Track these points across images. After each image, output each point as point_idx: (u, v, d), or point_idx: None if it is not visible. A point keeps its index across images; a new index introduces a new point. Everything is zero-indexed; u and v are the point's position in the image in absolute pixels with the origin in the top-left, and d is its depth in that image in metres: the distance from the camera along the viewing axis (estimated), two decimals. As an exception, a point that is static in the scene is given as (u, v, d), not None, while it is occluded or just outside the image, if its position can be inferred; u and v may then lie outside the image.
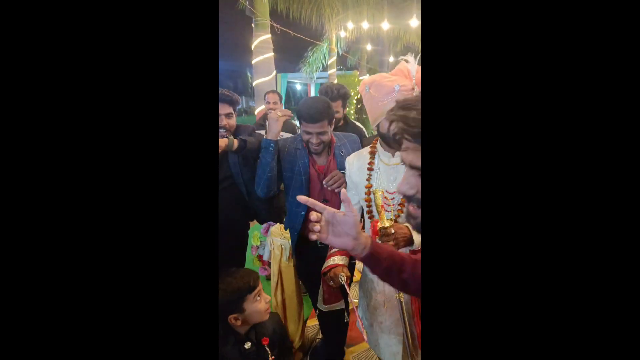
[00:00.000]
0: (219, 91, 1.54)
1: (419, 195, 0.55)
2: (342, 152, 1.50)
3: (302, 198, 0.71)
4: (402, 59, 1.08)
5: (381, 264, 0.77)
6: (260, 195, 1.52)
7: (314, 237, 0.71)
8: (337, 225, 0.71)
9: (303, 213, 1.51)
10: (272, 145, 1.45)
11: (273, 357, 1.23)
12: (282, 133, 2.60)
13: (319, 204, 0.71)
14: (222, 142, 1.46)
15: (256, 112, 5.19)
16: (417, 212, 0.57)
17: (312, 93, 17.39)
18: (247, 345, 1.19)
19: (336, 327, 1.69)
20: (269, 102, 2.68)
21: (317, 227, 0.70)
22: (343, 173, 1.42)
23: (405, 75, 1.05)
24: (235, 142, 1.50)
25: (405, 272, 0.80)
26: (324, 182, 1.43)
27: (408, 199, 0.57)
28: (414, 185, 0.55)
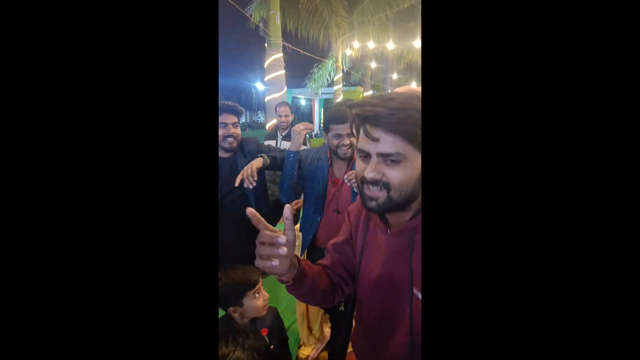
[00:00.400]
0: (225, 102, 1.65)
1: (385, 179, 0.62)
2: None
3: (250, 211, 0.62)
4: None
5: (307, 282, 0.73)
6: (282, 200, 1.66)
7: (273, 263, 0.62)
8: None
9: (319, 219, 1.60)
10: (292, 155, 1.57)
11: (272, 346, 1.28)
12: (284, 142, 2.67)
13: (263, 222, 0.63)
14: (258, 162, 1.55)
15: (267, 126, 5.42)
16: (377, 194, 0.63)
17: (317, 108, 17.80)
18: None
19: (339, 322, 1.77)
20: (280, 116, 2.75)
21: (283, 249, 0.60)
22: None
23: None
24: (268, 160, 1.62)
25: (323, 284, 0.79)
26: (345, 177, 1.46)
27: (374, 182, 0.62)
28: (380, 171, 0.62)
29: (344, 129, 1.47)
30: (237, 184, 1.42)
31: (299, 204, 1.91)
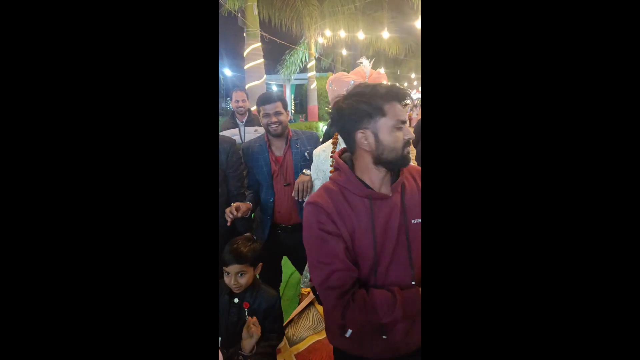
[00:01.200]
0: None
1: None
2: (297, 145, 1.71)
3: None
4: (359, 62, 1.45)
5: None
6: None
7: None
8: None
9: (272, 199, 1.72)
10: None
11: (254, 320, 1.27)
12: (247, 128, 2.58)
13: None
14: (245, 206, 1.56)
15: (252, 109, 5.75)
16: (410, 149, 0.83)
17: (288, 94, 18.07)
18: (236, 300, 1.30)
19: None
20: (237, 101, 2.67)
21: None
22: (304, 173, 1.57)
23: (361, 75, 1.33)
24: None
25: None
26: (293, 195, 1.56)
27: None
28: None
29: (271, 108, 1.61)
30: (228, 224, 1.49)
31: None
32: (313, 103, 9.14)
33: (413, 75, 15.08)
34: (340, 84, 1.31)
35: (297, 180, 1.56)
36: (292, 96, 18.20)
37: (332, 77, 1.38)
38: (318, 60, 10.43)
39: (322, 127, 7.74)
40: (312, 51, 8.66)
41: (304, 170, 1.59)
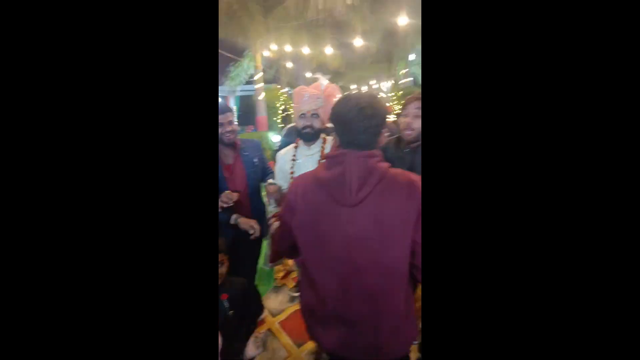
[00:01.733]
0: None
1: None
2: (246, 153, 1.86)
3: None
4: (313, 77, 1.90)
5: None
6: None
7: None
8: None
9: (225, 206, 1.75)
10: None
11: (232, 312, 1.36)
12: None
13: None
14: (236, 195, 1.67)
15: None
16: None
17: (232, 105, 18.03)
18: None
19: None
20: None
21: None
22: (271, 184, 1.64)
23: (317, 89, 1.52)
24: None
25: None
26: (272, 206, 1.70)
27: None
28: None
29: (224, 118, 1.74)
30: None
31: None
32: (262, 114, 9.37)
33: (354, 86, 16.02)
34: (298, 96, 1.58)
35: (270, 192, 1.65)
36: (236, 108, 18.14)
37: (295, 90, 1.62)
38: (264, 72, 10.73)
39: (272, 136, 8.00)
40: (259, 64, 8.93)
41: (269, 181, 1.69)
